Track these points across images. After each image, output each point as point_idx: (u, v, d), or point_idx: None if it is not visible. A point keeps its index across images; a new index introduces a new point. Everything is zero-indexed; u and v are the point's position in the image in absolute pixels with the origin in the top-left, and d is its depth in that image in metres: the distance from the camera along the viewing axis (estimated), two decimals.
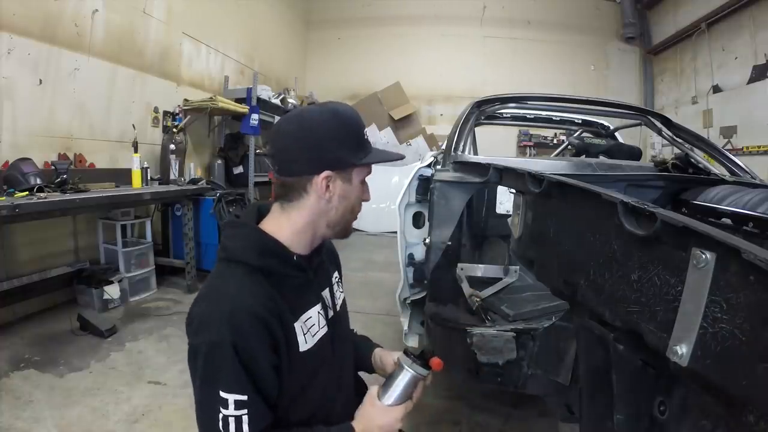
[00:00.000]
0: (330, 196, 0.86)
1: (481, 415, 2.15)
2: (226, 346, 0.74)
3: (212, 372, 0.76)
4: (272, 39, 7.30)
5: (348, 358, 1.05)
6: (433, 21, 8.46)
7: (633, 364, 0.75)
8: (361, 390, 1.09)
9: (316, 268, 0.94)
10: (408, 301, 2.16)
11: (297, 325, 0.86)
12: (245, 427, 0.75)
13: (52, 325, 2.98)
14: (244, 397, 0.75)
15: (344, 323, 1.06)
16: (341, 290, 1.07)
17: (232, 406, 0.74)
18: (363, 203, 0.94)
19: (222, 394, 0.75)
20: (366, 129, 0.93)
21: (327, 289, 0.99)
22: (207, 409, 0.77)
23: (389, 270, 4.66)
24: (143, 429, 1.95)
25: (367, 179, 0.94)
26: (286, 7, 7.87)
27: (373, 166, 0.92)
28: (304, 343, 0.86)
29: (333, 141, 0.85)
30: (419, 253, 2.12)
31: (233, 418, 0.75)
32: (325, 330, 0.92)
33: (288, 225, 0.88)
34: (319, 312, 0.92)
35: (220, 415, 0.75)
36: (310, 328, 0.88)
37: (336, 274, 1.06)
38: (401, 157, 1.00)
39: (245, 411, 0.75)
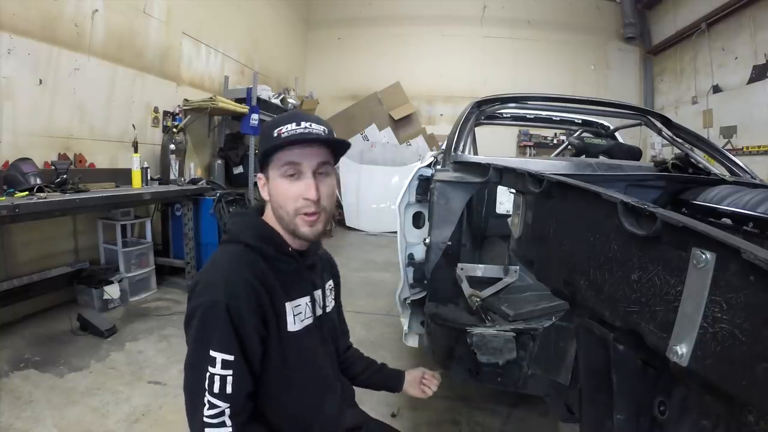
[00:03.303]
0: (267, 195, 0.95)
1: (481, 415, 2.15)
2: (220, 307, 0.83)
3: (206, 331, 0.83)
4: (272, 39, 7.30)
5: (333, 361, 1.10)
6: (433, 21, 8.46)
7: (633, 364, 0.75)
8: (349, 397, 1.13)
9: (309, 266, 1.02)
10: (408, 301, 2.16)
11: (288, 305, 0.94)
12: (228, 387, 0.82)
13: (52, 325, 2.97)
14: (231, 358, 0.83)
15: (332, 327, 1.12)
16: (333, 298, 1.14)
17: (219, 365, 0.82)
18: (305, 200, 0.89)
19: (212, 352, 0.82)
20: (279, 127, 0.90)
21: (319, 290, 1.06)
22: (196, 369, 0.83)
23: (389, 270, 4.66)
24: (143, 429, 1.95)
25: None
26: (286, 7, 7.86)
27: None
28: (293, 324, 0.94)
29: (259, 150, 0.98)
30: (419, 253, 2.11)
31: (219, 377, 0.82)
32: (311, 320, 0.99)
33: (269, 221, 0.98)
34: (307, 303, 0.99)
35: (208, 374, 0.82)
36: (298, 314, 0.96)
37: (330, 282, 1.13)
38: (304, 136, 0.89)
39: (230, 371, 0.82)
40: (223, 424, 0.82)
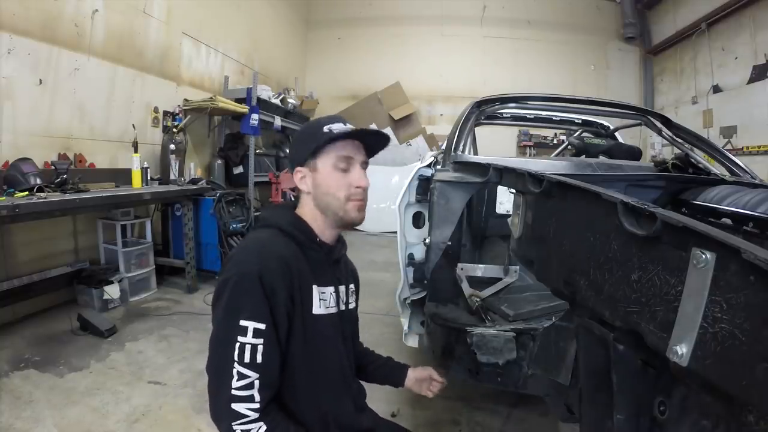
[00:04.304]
0: (308, 188, 1.01)
1: (481, 415, 2.15)
2: (254, 276, 0.85)
3: (237, 301, 0.85)
4: (272, 39, 7.29)
5: (351, 360, 1.11)
6: (433, 21, 8.45)
7: (633, 364, 0.75)
8: (361, 399, 1.14)
9: (335, 261, 1.07)
10: (408, 301, 2.15)
11: (315, 288, 0.97)
12: (259, 356, 0.83)
13: (52, 325, 2.97)
14: (263, 326, 0.84)
15: (353, 326, 1.15)
16: (354, 300, 1.17)
17: (250, 333, 0.83)
18: (357, 188, 0.99)
19: (242, 322, 0.83)
20: (328, 125, 0.99)
21: (344, 287, 1.09)
22: (224, 341, 0.84)
23: (389, 270, 4.66)
24: (143, 429, 1.95)
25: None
26: (286, 7, 7.86)
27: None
28: (318, 307, 0.98)
29: (297, 144, 1.06)
30: (419, 253, 2.11)
31: (249, 346, 0.83)
32: (334, 310, 1.02)
33: (304, 214, 1.03)
34: (332, 293, 1.03)
35: (237, 344, 0.82)
36: (324, 299, 0.99)
37: (352, 286, 1.16)
38: (348, 130, 1.00)
39: (261, 340, 0.84)
40: (251, 399, 0.82)
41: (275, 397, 0.89)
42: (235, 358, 0.82)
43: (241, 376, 0.82)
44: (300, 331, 0.93)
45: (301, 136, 1.05)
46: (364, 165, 1.03)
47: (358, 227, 1.08)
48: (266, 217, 1.04)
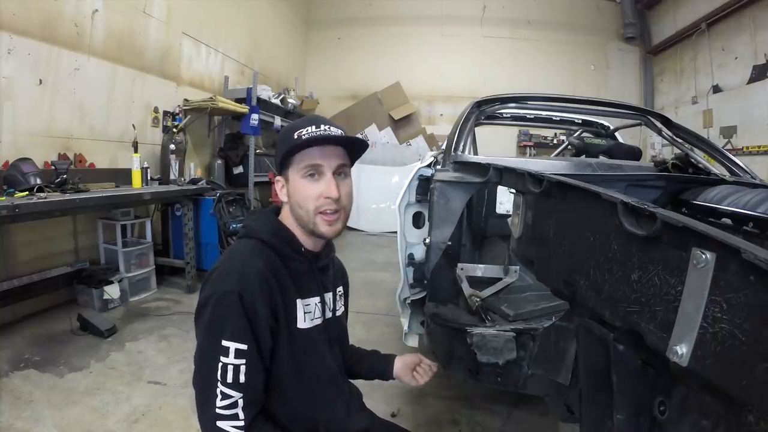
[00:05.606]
0: (285, 197, 0.98)
1: (481, 415, 2.15)
2: (234, 295, 0.84)
3: (219, 320, 0.84)
4: (272, 39, 7.29)
5: (340, 365, 1.09)
6: (433, 21, 8.45)
7: (633, 364, 0.75)
8: (357, 401, 1.12)
9: (321, 268, 1.03)
10: (408, 301, 2.16)
11: (299, 302, 0.95)
12: (242, 376, 0.82)
13: (52, 325, 2.97)
14: (244, 347, 0.83)
15: (340, 332, 1.12)
16: (342, 304, 1.13)
17: (232, 354, 0.82)
18: (325, 199, 0.92)
19: (224, 342, 0.82)
20: (299, 130, 0.92)
21: (330, 294, 1.06)
22: (208, 360, 0.83)
23: (389, 270, 4.66)
24: (143, 429, 1.95)
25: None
26: (286, 7, 7.86)
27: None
28: (303, 321, 0.96)
29: (276, 151, 1.04)
30: (419, 253, 2.11)
31: (232, 367, 0.82)
32: (320, 321, 1.00)
33: (286, 220, 1.00)
34: (317, 304, 1.00)
35: (220, 364, 0.82)
36: (308, 312, 0.97)
37: (341, 288, 1.13)
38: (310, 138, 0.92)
39: (244, 361, 0.83)
40: (236, 417, 0.82)
41: (262, 410, 0.89)
42: (218, 377, 0.82)
43: (225, 396, 0.82)
44: (286, 345, 0.92)
45: (278, 142, 1.00)
46: (341, 170, 0.95)
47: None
48: (249, 226, 1.00)
